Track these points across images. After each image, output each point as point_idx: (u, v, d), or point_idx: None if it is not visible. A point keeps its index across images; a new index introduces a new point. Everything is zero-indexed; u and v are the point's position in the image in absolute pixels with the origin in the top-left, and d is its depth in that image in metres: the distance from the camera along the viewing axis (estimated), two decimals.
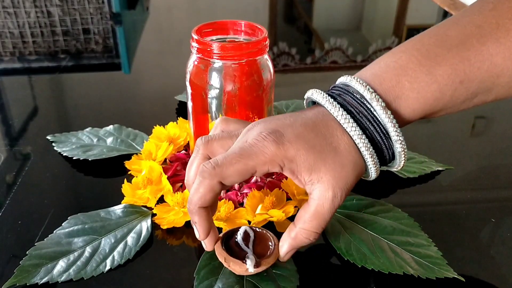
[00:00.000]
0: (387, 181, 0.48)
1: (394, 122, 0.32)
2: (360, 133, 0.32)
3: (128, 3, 1.12)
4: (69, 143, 0.52)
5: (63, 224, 0.41)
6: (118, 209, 0.42)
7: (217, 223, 0.40)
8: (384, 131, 0.33)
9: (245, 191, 0.44)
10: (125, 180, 0.46)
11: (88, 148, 0.51)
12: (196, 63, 0.42)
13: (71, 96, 0.69)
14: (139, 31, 0.97)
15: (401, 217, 0.42)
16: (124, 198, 0.44)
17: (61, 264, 0.37)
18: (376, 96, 0.32)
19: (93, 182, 0.48)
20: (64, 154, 0.51)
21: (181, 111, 0.62)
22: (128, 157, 0.49)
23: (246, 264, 0.35)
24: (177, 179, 0.46)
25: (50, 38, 0.88)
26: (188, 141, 0.51)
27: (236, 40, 0.45)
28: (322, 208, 0.32)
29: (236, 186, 0.45)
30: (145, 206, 0.43)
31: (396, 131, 0.32)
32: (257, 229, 0.38)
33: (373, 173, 0.34)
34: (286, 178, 0.44)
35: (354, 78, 0.33)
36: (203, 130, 0.45)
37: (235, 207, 0.42)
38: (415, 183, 0.48)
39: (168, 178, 0.44)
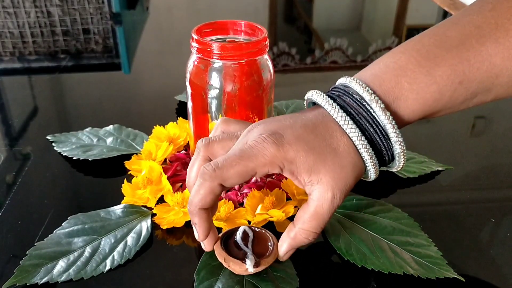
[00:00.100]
0: (387, 181, 0.48)
1: (393, 123, 0.32)
2: (359, 135, 0.32)
3: (128, 3, 1.12)
4: (69, 143, 0.52)
5: (63, 224, 0.41)
6: (118, 209, 0.42)
7: (217, 223, 0.40)
8: (383, 133, 0.33)
9: (245, 191, 0.44)
10: (125, 180, 0.46)
11: (88, 148, 0.51)
12: (196, 63, 0.42)
13: (71, 96, 0.69)
14: (139, 31, 0.97)
15: (401, 217, 0.42)
16: (124, 198, 0.44)
17: (61, 264, 0.37)
18: (376, 98, 0.32)
19: (93, 182, 0.49)
20: (64, 154, 0.51)
21: (181, 111, 0.62)
22: (128, 157, 0.49)
23: (245, 264, 0.35)
24: (177, 179, 0.47)
25: (50, 38, 0.88)
26: (188, 141, 0.51)
27: (236, 40, 0.45)
28: (321, 209, 0.33)
29: (236, 186, 0.45)
30: (145, 206, 0.43)
31: (395, 132, 0.32)
32: (256, 229, 0.38)
33: (372, 174, 0.34)
34: (286, 178, 0.44)
35: (353, 79, 0.33)
36: (203, 130, 0.45)
37: (235, 207, 0.42)
38: (415, 183, 0.49)
39: (168, 178, 0.45)
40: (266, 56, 0.43)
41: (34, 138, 0.56)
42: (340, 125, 0.33)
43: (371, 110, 0.32)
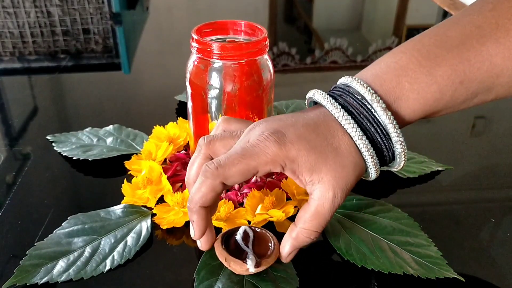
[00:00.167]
0: (387, 181, 0.48)
1: (394, 123, 0.32)
2: (360, 134, 0.32)
3: (128, 3, 1.12)
4: (69, 143, 0.52)
5: (63, 224, 0.41)
6: (118, 209, 0.42)
7: (217, 223, 0.40)
8: (384, 132, 0.33)
9: (245, 191, 0.44)
10: (125, 180, 0.46)
11: (88, 148, 0.51)
12: (196, 63, 0.42)
13: (71, 96, 0.69)
14: (139, 31, 0.97)
15: (401, 217, 0.42)
16: (124, 198, 0.44)
17: (61, 264, 0.37)
18: (377, 98, 0.32)
19: (93, 182, 0.48)
20: (64, 154, 0.51)
21: (181, 111, 0.62)
22: (128, 157, 0.49)
23: (246, 264, 0.35)
24: (177, 179, 0.47)
25: (50, 38, 0.88)
26: (188, 141, 0.51)
27: (236, 40, 0.45)
28: (322, 208, 0.33)
29: (236, 186, 0.45)
30: (145, 206, 0.43)
31: (396, 132, 0.32)
32: (257, 229, 0.38)
33: (373, 174, 0.34)
34: (286, 178, 0.44)
35: (355, 79, 0.34)
36: (203, 130, 0.45)
37: (235, 207, 0.42)
38: (415, 183, 0.49)
39: (168, 178, 0.44)
40: (266, 56, 0.43)
41: (34, 138, 0.56)
42: (341, 124, 0.33)
43: (372, 110, 0.32)
